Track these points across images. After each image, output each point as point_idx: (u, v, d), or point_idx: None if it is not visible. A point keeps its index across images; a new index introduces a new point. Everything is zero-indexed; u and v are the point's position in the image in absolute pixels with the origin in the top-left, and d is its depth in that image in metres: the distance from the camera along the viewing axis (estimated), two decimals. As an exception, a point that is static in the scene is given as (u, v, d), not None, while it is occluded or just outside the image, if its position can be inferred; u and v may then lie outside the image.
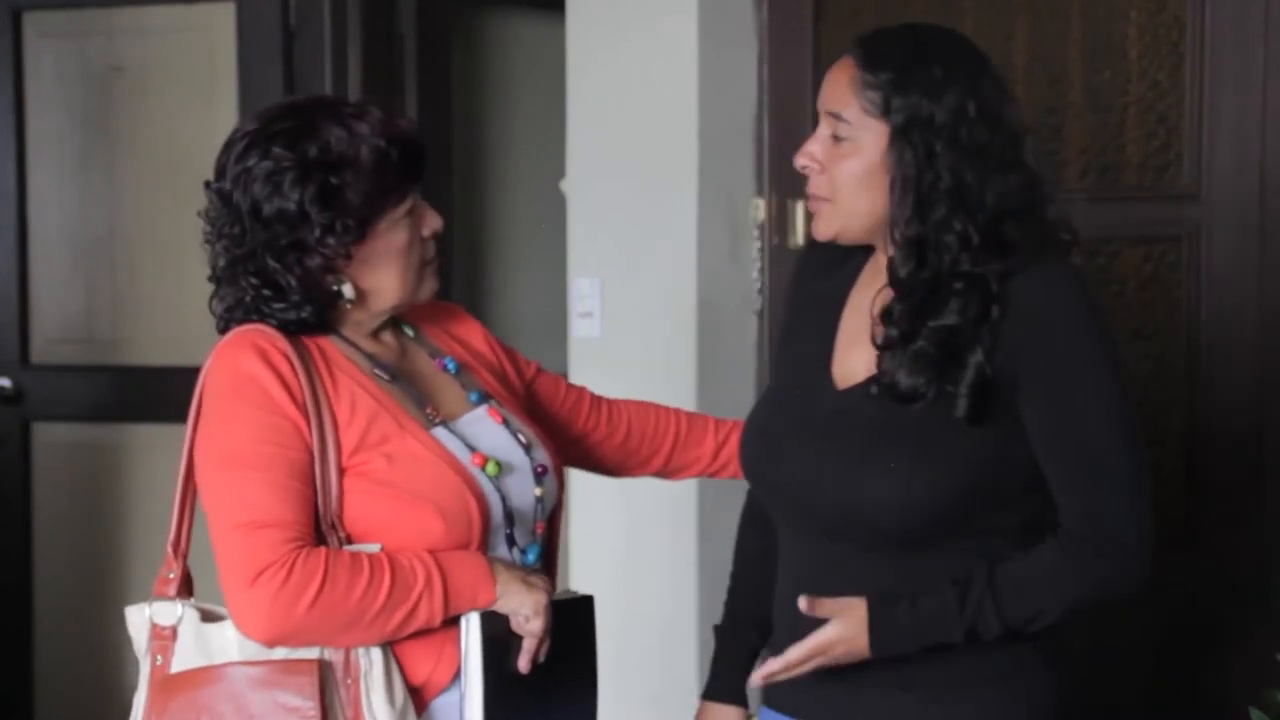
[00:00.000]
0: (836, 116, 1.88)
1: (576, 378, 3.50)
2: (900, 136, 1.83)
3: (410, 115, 4.12)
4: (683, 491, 3.34)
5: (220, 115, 4.04)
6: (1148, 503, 1.82)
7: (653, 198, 3.41)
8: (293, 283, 1.93)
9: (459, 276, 4.39)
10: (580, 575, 3.44)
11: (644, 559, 3.41)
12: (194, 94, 4.12)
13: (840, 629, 1.83)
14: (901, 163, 1.83)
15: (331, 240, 1.91)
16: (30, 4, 4.22)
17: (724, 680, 2.12)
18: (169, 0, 4.15)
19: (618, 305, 3.43)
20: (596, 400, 2.34)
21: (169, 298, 4.08)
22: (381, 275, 1.97)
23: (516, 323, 4.51)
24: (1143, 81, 3.07)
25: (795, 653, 1.85)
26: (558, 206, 3.63)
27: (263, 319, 1.94)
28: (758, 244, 3.44)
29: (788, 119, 2.83)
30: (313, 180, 1.90)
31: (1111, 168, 3.11)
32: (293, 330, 1.95)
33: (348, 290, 1.97)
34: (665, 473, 2.36)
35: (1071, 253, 1.91)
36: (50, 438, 4.29)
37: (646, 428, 2.32)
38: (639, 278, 3.41)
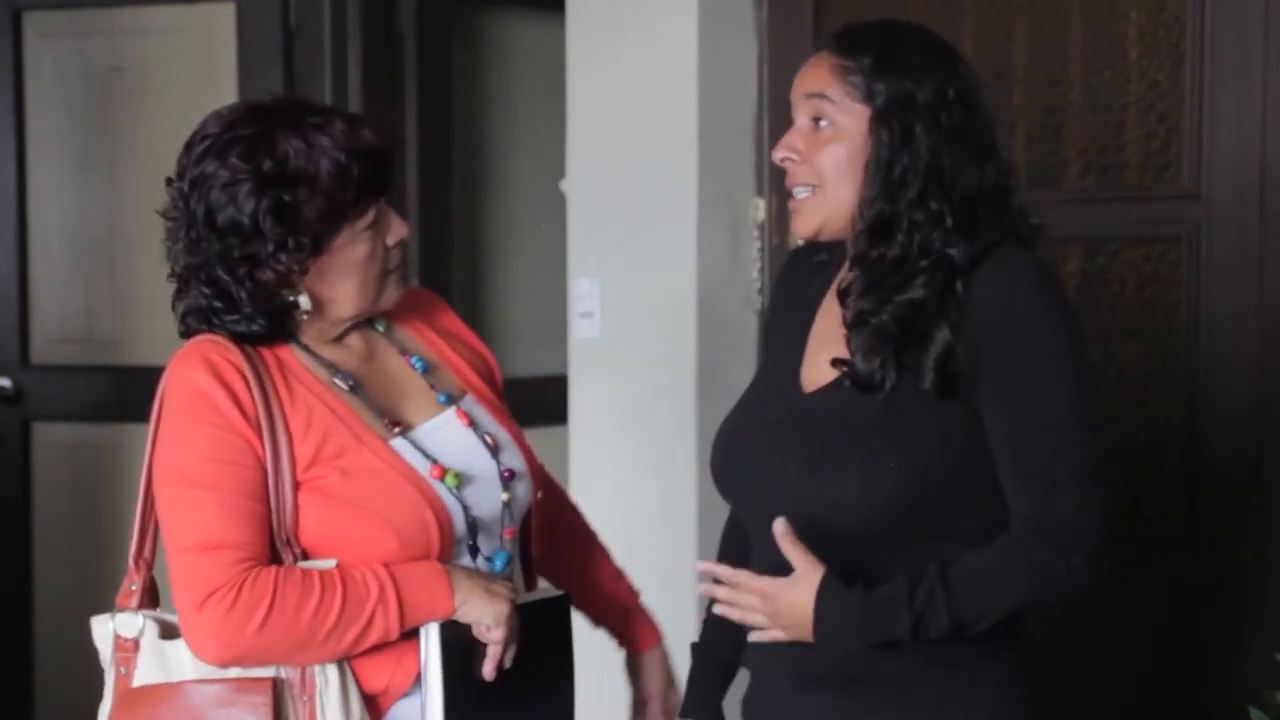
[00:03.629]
0: (820, 96, 1.87)
1: (576, 378, 3.52)
2: (881, 118, 1.83)
3: (410, 115, 4.13)
4: (682, 495, 3.34)
5: (220, 115, 4.04)
6: (1103, 502, 1.79)
7: (653, 198, 3.40)
8: (244, 296, 1.89)
9: (459, 276, 4.39)
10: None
11: (642, 563, 3.40)
12: (194, 94, 4.11)
13: (790, 585, 1.80)
14: (879, 144, 1.83)
15: (284, 256, 1.87)
16: (30, 4, 4.22)
17: (701, 698, 2.10)
18: (169, 0, 4.15)
19: (618, 305, 3.43)
20: (550, 480, 2.22)
21: (169, 298, 4.07)
22: (339, 287, 1.93)
23: (516, 323, 4.50)
24: (1143, 81, 3.07)
25: (743, 576, 1.84)
26: (558, 206, 3.63)
27: (213, 330, 1.91)
28: (758, 244, 3.44)
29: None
30: (267, 195, 1.85)
31: (1111, 168, 3.11)
32: (247, 341, 1.91)
33: (304, 301, 1.92)
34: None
35: (1037, 240, 1.89)
36: (50, 438, 4.28)
37: (573, 548, 2.23)
38: (639, 278, 3.41)
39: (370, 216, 1.92)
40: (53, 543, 4.27)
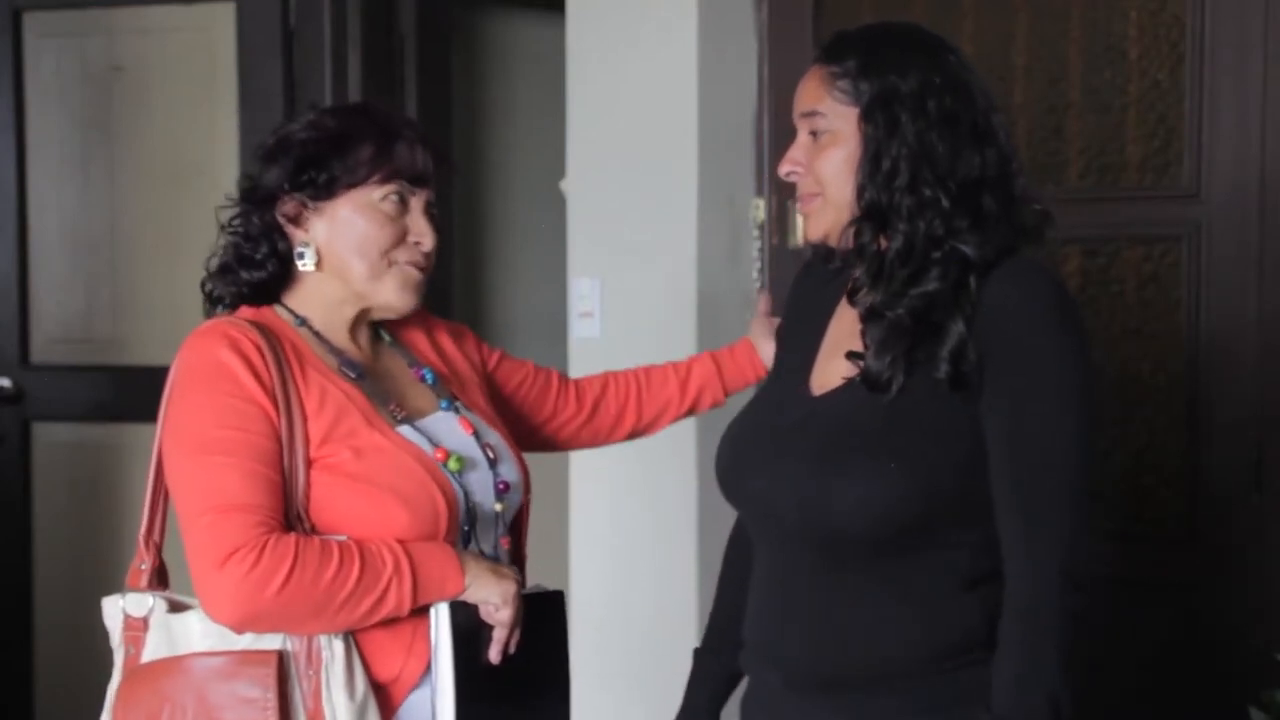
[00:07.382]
0: (812, 114, 1.90)
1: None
2: (867, 113, 1.85)
3: (410, 115, 4.13)
4: (682, 496, 3.33)
5: (220, 115, 4.04)
6: (1081, 529, 1.77)
7: (653, 198, 3.41)
8: (258, 230, 2.02)
9: (459, 277, 4.39)
10: (580, 578, 3.44)
11: (641, 565, 3.40)
12: (194, 94, 4.12)
13: None
14: (867, 137, 1.85)
15: (298, 191, 2.01)
16: (30, 4, 4.22)
17: (698, 704, 2.11)
18: (169, 0, 4.16)
19: (618, 305, 3.43)
20: (565, 381, 2.43)
21: (169, 298, 4.08)
22: (345, 244, 2.01)
23: (516, 323, 4.51)
24: (1143, 81, 3.07)
25: None
26: (558, 207, 3.63)
27: (232, 284, 2.03)
28: (758, 244, 3.44)
29: (788, 119, 2.84)
30: (311, 141, 2.03)
31: (1111, 168, 3.11)
32: (259, 291, 2.02)
33: (309, 254, 2.02)
34: (641, 429, 2.47)
35: (1045, 228, 1.89)
36: (50, 438, 4.29)
37: (609, 393, 2.44)
38: (639, 278, 3.41)
39: (391, 190, 2.02)
40: (53, 542, 4.28)
